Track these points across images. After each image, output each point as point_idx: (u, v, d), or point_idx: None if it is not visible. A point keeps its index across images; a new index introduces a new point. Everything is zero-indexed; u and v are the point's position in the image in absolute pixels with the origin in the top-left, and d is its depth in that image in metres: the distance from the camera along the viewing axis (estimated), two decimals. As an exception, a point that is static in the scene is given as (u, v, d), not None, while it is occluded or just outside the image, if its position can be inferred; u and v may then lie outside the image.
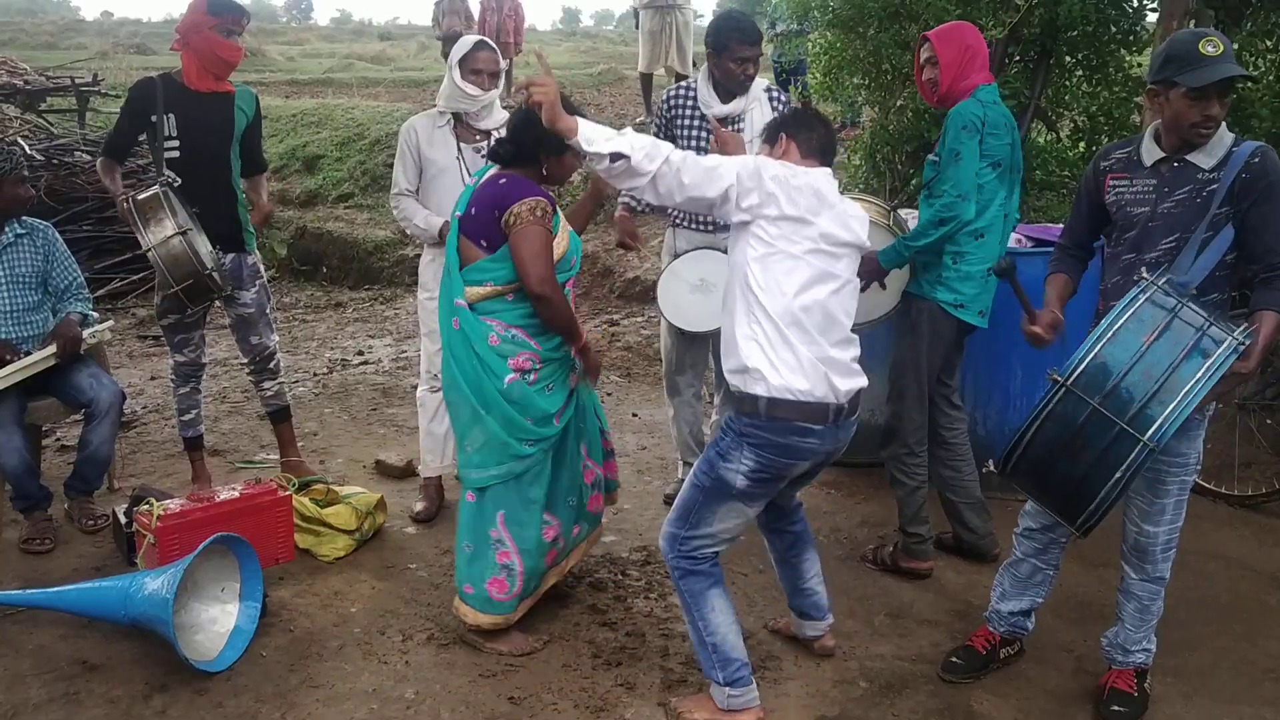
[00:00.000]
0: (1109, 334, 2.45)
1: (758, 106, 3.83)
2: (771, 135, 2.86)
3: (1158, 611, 2.87)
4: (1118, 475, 2.39)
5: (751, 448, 2.65)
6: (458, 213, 3.02)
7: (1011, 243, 3.99)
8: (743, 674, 2.76)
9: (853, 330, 2.78)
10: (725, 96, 3.80)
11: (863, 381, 2.76)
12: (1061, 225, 4.45)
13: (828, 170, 2.77)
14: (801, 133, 2.79)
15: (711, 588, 2.78)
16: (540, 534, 3.07)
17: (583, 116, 2.66)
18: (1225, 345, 2.38)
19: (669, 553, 2.80)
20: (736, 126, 3.81)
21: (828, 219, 2.65)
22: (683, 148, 3.82)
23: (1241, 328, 2.43)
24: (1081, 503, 2.48)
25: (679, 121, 3.90)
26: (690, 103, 3.88)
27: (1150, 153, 2.71)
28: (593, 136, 2.58)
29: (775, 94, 3.91)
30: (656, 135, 3.97)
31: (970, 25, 3.48)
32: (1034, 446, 2.50)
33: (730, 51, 3.72)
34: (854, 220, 2.73)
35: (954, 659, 3.05)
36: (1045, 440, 2.48)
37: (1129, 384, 2.39)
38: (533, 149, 2.93)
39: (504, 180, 2.94)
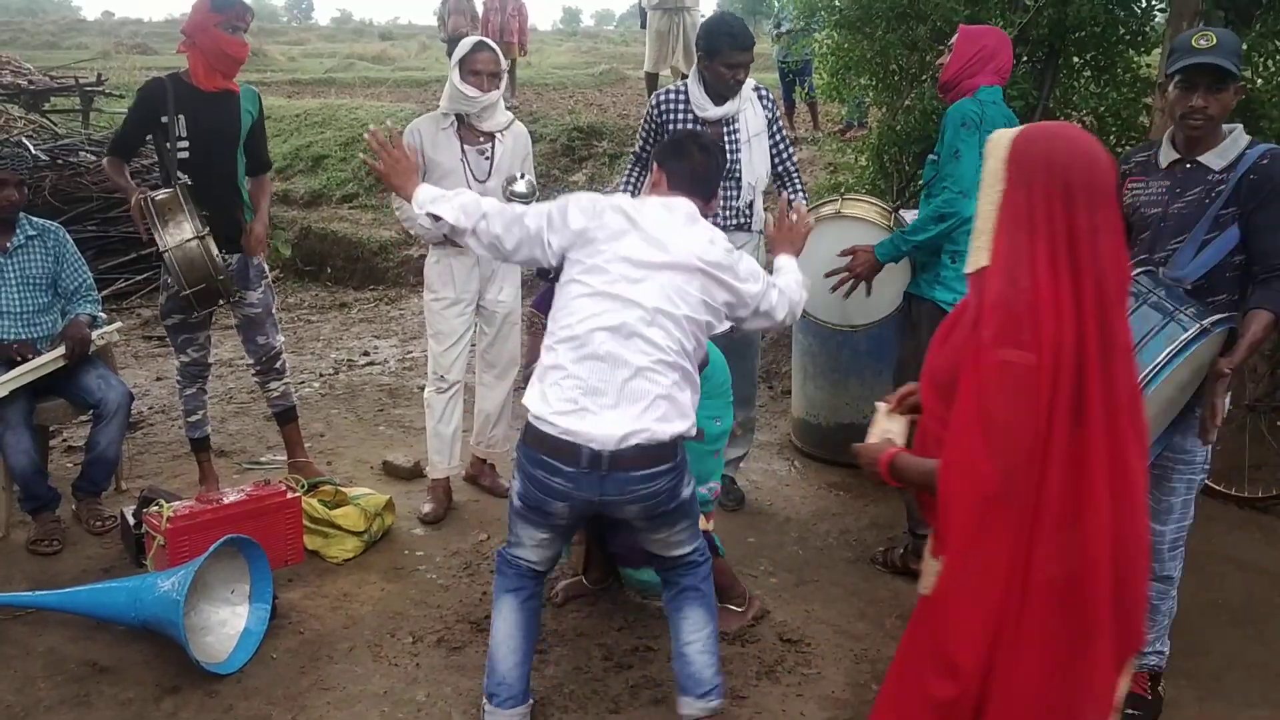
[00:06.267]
0: None
1: (749, 106, 3.84)
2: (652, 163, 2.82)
3: (1169, 612, 2.86)
4: None
5: (518, 470, 2.58)
6: None
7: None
8: (498, 692, 2.64)
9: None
10: (717, 99, 3.79)
11: (660, 434, 2.46)
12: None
13: (686, 200, 2.64)
14: (671, 162, 2.71)
15: (505, 593, 2.70)
16: None
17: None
18: (1191, 330, 2.38)
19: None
20: (730, 128, 3.81)
21: (632, 240, 2.53)
22: None
23: (1213, 317, 2.43)
24: None
25: (672, 125, 3.87)
26: (683, 106, 3.86)
27: (1166, 155, 2.72)
28: (423, 198, 2.70)
29: (764, 92, 3.92)
30: (646, 139, 4.00)
31: (1001, 33, 3.46)
32: None
33: (722, 56, 3.69)
34: (677, 243, 2.54)
35: (966, 661, 3.03)
36: None
37: None
38: None
39: (544, 287, 3.22)
